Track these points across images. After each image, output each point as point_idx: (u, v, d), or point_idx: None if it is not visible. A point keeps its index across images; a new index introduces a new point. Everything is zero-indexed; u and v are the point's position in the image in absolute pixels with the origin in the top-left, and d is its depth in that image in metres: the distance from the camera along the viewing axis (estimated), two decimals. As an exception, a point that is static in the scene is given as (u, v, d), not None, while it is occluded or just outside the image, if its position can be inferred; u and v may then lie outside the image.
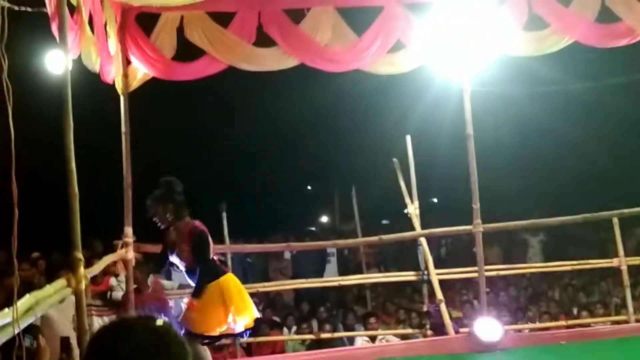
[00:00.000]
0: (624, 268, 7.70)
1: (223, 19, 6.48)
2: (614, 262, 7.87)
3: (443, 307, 7.71)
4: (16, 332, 3.11)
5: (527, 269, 8.73)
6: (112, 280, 7.76)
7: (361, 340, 8.50)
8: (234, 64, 6.71)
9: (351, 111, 16.61)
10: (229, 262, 8.07)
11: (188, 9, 6.31)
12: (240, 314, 5.60)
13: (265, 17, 6.64)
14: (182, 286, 8.30)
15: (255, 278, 10.98)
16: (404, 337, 8.54)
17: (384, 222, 19.17)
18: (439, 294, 7.82)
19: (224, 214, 8.20)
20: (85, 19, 5.35)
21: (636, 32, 6.95)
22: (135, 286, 7.55)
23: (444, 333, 7.47)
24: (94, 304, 7.47)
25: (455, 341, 7.00)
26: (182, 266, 5.67)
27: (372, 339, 8.44)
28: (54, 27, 4.65)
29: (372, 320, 8.79)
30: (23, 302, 3.45)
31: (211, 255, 5.62)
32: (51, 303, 4.04)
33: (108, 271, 7.38)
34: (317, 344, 8.54)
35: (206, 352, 5.61)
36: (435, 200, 22.79)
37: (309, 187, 25.12)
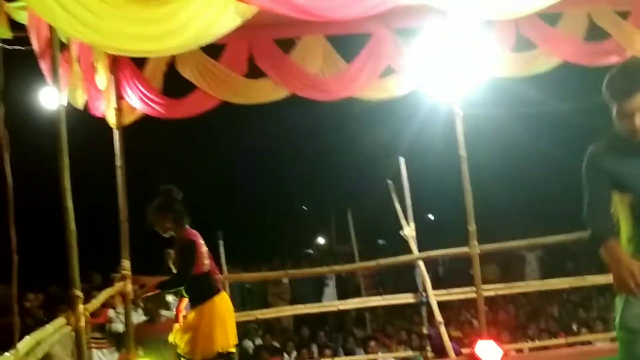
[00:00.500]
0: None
1: (214, 50, 6.51)
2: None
3: (443, 329, 7.70)
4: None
5: (525, 288, 8.73)
6: (111, 312, 7.76)
7: (362, 363, 8.50)
8: (226, 99, 6.74)
9: (345, 134, 16.71)
10: (227, 289, 8.05)
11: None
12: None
13: (256, 48, 6.69)
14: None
15: (254, 303, 10.99)
16: (404, 359, 8.54)
17: (381, 242, 19.22)
18: (438, 316, 7.82)
19: (221, 242, 8.21)
20: (75, 55, 5.39)
21: (627, 50, 7.01)
22: (147, 317, 7.55)
23: (445, 355, 7.47)
24: (93, 336, 7.46)
25: (455, 363, 7.00)
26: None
27: (373, 362, 8.45)
28: (44, 65, 4.69)
29: (372, 343, 8.81)
30: (24, 344, 3.46)
31: (203, 268, 5.54)
32: (51, 342, 4.04)
33: (106, 303, 7.37)
34: (318, 369, 8.54)
35: None
36: (431, 216, 22.85)
37: (304, 208, 25.16)
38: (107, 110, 6.57)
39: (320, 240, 24.14)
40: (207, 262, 5.56)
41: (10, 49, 4.37)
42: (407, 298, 8.55)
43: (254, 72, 6.79)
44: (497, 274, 12.83)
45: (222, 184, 16.60)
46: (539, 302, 11.51)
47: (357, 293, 10.88)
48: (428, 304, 8.06)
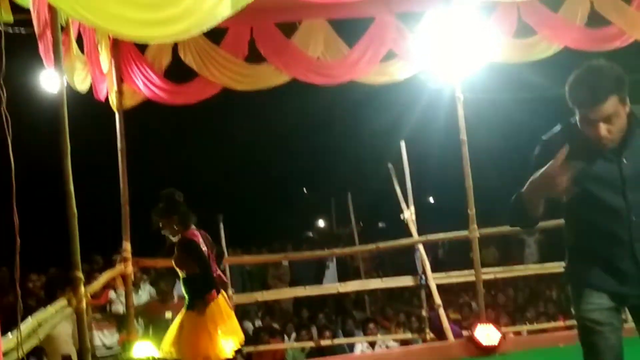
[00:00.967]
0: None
1: (215, 35, 6.50)
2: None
3: (442, 311, 7.76)
4: (21, 356, 3.15)
5: (524, 272, 8.76)
6: (112, 294, 7.81)
7: (361, 346, 8.55)
8: (227, 86, 6.75)
9: (346, 117, 16.71)
10: (228, 272, 8.09)
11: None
12: (227, 336, 5.55)
13: (257, 32, 6.68)
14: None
15: (254, 285, 11.04)
16: (403, 342, 8.59)
17: (381, 225, 19.29)
18: (437, 299, 7.87)
19: (221, 225, 8.23)
20: (73, 37, 5.38)
21: (626, 34, 7.01)
22: (159, 297, 7.61)
23: (444, 337, 7.53)
24: (94, 317, 7.52)
25: (454, 346, 7.04)
26: (180, 273, 5.63)
27: (372, 344, 8.49)
28: (42, 48, 4.68)
29: (372, 325, 8.84)
30: (26, 326, 3.50)
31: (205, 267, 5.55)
32: (53, 324, 4.08)
33: (107, 285, 7.42)
34: (318, 351, 8.59)
35: None
36: (431, 200, 22.89)
37: (305, 190, 25.20)
38: (110, 93, 6.59)
39: (321, 224, 24.20)
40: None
41: (11, 33, 4.37)
42: (406, 281, 8.60)
43: (255, 57, 6.78)
44: (497, 258, 12.90)
45: (223, 167, 16.61)
46: (538, 285, 11.56)
47: (356, 276, 10.91)
48: (427, 287, 8.11)
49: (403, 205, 8.53)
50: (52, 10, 4.41)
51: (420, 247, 8.22)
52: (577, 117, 2.97)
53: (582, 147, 2.99)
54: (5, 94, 2.48)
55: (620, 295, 3.04)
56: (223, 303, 5.53)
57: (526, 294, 11.47)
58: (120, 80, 6.63)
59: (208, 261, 5.52)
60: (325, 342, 8.66)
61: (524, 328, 8.87)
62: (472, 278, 7.40)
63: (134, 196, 6.76)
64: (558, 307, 10.28)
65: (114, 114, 6.72)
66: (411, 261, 9.36)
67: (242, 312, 9.66)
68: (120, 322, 7.69)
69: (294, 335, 9.33)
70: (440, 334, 7.82)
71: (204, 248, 5.62)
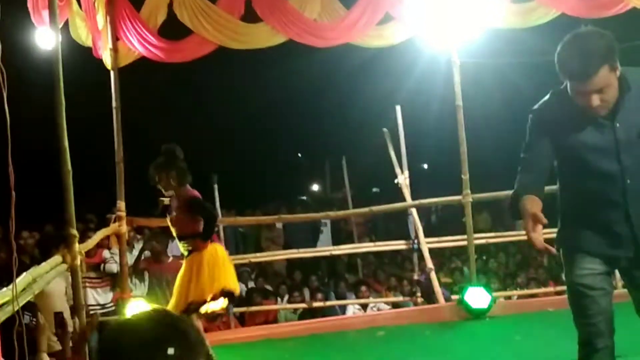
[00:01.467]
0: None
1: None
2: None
3: (433, 275, 7.83)
4: (15, 310, 3.18)
5: (516, 237, 8.81)
6: (106, 253, 7.84)
7: (353, 308, 8.63)
8: (223, 44, 6.70)
9: (342, 82, 16.61)
10: (222, 234, 8.13)
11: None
12: (227, 283, 5.60)
13: (254, -10, 6.63)
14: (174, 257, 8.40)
15: (247, 248, 11.10)
16: (395, 305, 8.68)
17: (375, 190, 19.32)
18: (429, 263, 7.94)
19: (216, 186, 8.24)
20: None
21: (624, 1, 6.96)
22: (153, 257, 7.65)
23: (434, 301, 7.61)
24: (88, 276, 7.55)
25: (445, 309, 7.13)
26: (174, 232, 5.64)
27: (364, 307, 8.58)
28: (31, 4, 4.64)
29: (364, 288, 8.93)
30: (21, 280, 3.52)
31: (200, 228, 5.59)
32: (48, 280, 4.11)
33: (101, 244, 7.45)
34: (310, 313, 8.67)
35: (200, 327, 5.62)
36: (425, 166, 22.92)
37: (299, 155, 25.17)
38: (104, 51, 6.55)
39: (315, 188, 24.22)
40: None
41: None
42: (398, 245, 8.66)
43: (252, 16, 6.73)
44: (489, 223, 12.97)
45: (217, 129, 16.56)
46: (529, 251, 11.65)
47: (350, 241, 10.97)
48: (419, 251, 8.17)
49: (397, 170, 8.55)
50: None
51: (414, 211, 8.27)
52: (568, 88, 2.95)
53: (574, 114, 3.00)
54: (0, 48, 2.46)
55: (614, 258, 3.08)
56: (222, 251, 5.60)
57: (517, 259, 11.57)
58: (115, 38, 6.57)
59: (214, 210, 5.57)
60: (317, 304, 8.75)
61: (515, 293, 8.96)
62: (465, 243, 7.46)
63: (128, 156, 6.75)
64: (548, 273, 10.38)
65: (109, 71, 6.68)
66: (404, 227, 9.42)
67: (235, 274, 9.70)
68: (114, 281, 7.75)
69: (286, 297, 9.41)
70: (431, 298, 7.90)
71: None
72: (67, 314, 6.16)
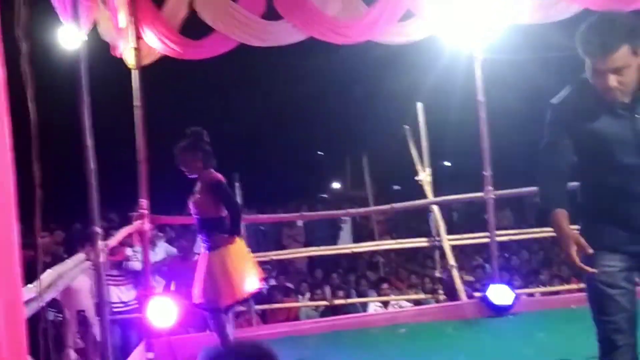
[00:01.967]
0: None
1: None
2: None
3: (455, 272, 7.80)
4: (40, 306, 3.21)
5: (539, 234, 8.75)
6: (128, 251, 7.91)
7: (374, 306, 8.63)
8: (244, 41, 6.71)
9: (362, 79, 16.60)
10: (243, 231, 8.15)
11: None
12: (250, 277, 5.62)
13: (275, -12, 6.63)
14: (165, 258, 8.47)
15: (269, 245, 11.14)
16: (416, 302, 8.66)
17: (396, 187, 19.30)
18: (451, 260, 7.91)
19: (237, 184, 8.27)
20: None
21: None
22: (181, 254, 7.70)
23: (457, 298, 7.58)
24: (111, 274, 7.63)
25: (467, 306, 7.09)
26: (194, 215, 5.59)
27: (385, 304, 8.57)
28: (58, 3, 4.67)
29: (385, 286, 8.92)
30: (45, 277, 3.56)
31: (224, 212, 5.57)
32: (72, 277, 4.15)
33: (124, 242, 7.51)
34: (331, 310, 8.69)
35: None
36: (447, 163, 22.85)
37: (320, 153, 25.20)
38: (125, 50, 6.59)
39: (336, 185, 24.23)
40: None
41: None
42: (420, 242, 8.63)
43: (273, 14, 6.74)
44: (511, 221, 12.91)
45: (239, 127, 16.61)
46: (552, 248, 11.57)
47: (370, 239, 10.97)
48: (441, 248, 8.15)
49: (419, 167, 8.53)
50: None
51: (435, 208, 8.24)
52: (587, 69, 2.92)
53: (593, 105, 2.97)
54: (27, 46, 2.49)
55: (634, 254, 3.03)
56: (242, 243, 5.60)
57: (540, 257, 11.49)
58: (137, 37, 6.61)
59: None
60: (338, 302, 8.76)
61: (537, 290, 8.90)
62: (487, 240, 7.42)
63: (150, 154, 6.78)
64: (572, 270, 10.30)
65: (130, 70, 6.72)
66: (425, 225, 9.40)
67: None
68: (137, 279, 7.81)
69: (307, 295, 9.43)
70: (453, 295, 7.87)
71: None
72: (91, 312, 6.23)
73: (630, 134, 2.94)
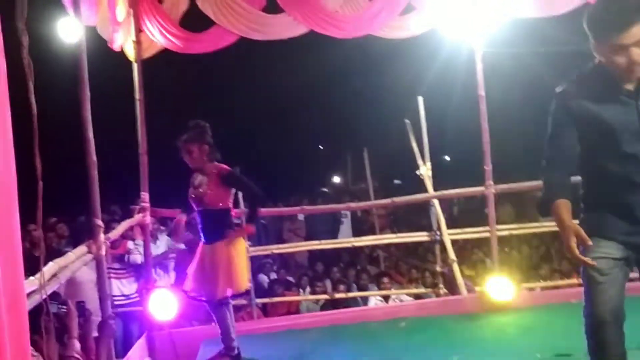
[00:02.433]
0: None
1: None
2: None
3: (456, 267, 7.81)
4: (42, 298, 3.22)
5: (539, 228, 8.75)
6: (130, 244, 7.93)
7: (375, 299, 8.64)
8: (244, 35, 6.71)
9: (363, 72, 16.57)
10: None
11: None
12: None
13: (276, -18, 6.64)
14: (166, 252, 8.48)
15: (270, 239, 11.15)
16: (417, 296, 8.67)
17: (396, 182, 19.29)
18: (452, 254, 7.91)
19: (238, 177, 8.27)
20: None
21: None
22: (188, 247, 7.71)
23: (457, 292, 7.59)
24: (113, 267, 7.65)
25: (467, 301, 7.11)
26: (200, 207, 5.51)
27: (386, 298, 8.59)
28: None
29: (386, 280, 8.93)
30: (48, 269, 3.57)
31: (230, 204, 5.57)
32: (74, 269, 4.16)
33: (125, 235, 7.53)
34: (331, 304, 8.71)
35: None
36: (447, 158, 22.85)
37: (320, 147, 25.19)
38: (125, 43, 6.59)
39: (336, 179, 24.24)
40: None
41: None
42: (420, 236, 8.64)
43: (273, 7, 6.74)
44: (512, 216, 12.90)
45: (239, 121, 16.60)
46: (552, 243, 11.57)
47: (371, 233, 10.98)
48: (441, 243, 8.15)
49: (419, 161, 8.53)
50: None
51: (436, 202, 8.24)
52: (603, 50, 2.87)
53: (598, 93, 2.95)
54: (28, 38, 2.49)
55: (632, 245, 3.01)
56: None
57: (541, 251, 11.49)
58: (138, 29, 6.62)
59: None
60: (339, 295, 8.78)
61: (537, 285, 8.91)
62: (487, 234, 7.43)
63: (151, 147, 6.79)
64: (572, 264, 10.30)
65: (131, 63, 6.73)
66: (426, 219, 9.40)
67: (258, 265, 9.78)
68: (139, 272, 7.83)
69: (308, 288, 9.45)
70: (453, 289, 7.89)
71: None
72: (97, 304, 6.24)
73: (636, 121, 2.92)
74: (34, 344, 3.22)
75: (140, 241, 7.48)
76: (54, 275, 3.72)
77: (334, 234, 11.49)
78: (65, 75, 5.15)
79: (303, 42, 7.26)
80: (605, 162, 3.02)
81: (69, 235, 8.70)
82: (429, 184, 8.30)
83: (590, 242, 2.83)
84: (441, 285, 8.33)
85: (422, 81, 11.26)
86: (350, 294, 8.90)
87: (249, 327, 6.81)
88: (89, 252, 4.53)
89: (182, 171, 5.71)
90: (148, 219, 6.66)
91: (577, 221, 3.08)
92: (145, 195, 6.62)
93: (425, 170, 8.38)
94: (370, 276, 9.76)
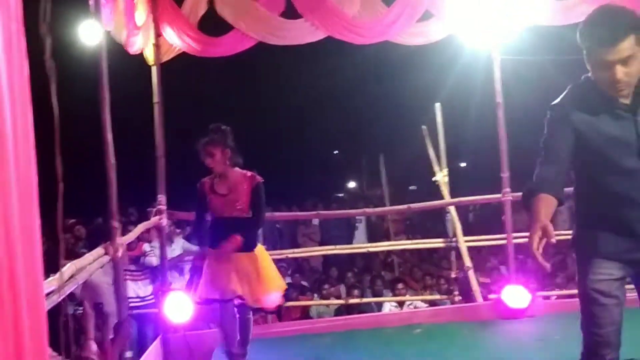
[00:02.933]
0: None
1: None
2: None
3: (471, 273, 7.78)
4: (61, 299, 3.25)
5: (556, 237, 8.67)
6: (146, 246, 7.97)
7: (389, 305, 8.62)
8: (262, 39, 6.74)
9: (380, 79, 16.59)
10: (259, 230, 8.17)
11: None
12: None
13: (294, -13, 6.66)
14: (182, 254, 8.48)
15: (284, 244, 11.15)
16: (432, 303, 8.65)
17: (412, 187, 19.27)
18: (467, 261, 7.89)
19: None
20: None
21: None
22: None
23: (473, 300, 7.56)
24: (129, 269, 7.68)
25: (483, 308, 7.08)
26: (231, 215, 5.39)
27: (400, 304, 8.57)
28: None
29: (400, 286, 8.91)
30: (66, 269, 3.60)
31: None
32: (91, 271, 4.19)
33: (141, 237, 7.56)
34: (345, 309, 8.70)
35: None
36: (463, 165, 22.80)
37: (336, 152, 25.21)
38: (145, 47, 6.64)
39: (352, 185, 24.24)
40: None
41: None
42: (436, 242, 8.62)
43: (292, 12, 6.76)
44: (528, 223, 12.82)
45: (256, 125, 16.66)
46: (568, 251, 11.50)
47: (386, 239, 10.96)
48: (457, 249, 8.13)
49: (436, 167, 8.52)
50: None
51: (452, 209, 8.22)
52: (591, 64, 2.85)
53: (594, 106, 2.92)
54: (50, 41, 2.51)
55: (632, 262, 2.95)
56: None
57: (557, 260, 11.42)
58: (157, 33, 6.66)
59: None
60: (353, 301, 8.77)
61: (553, 293, 8.86)
62: (503, 241, 7.40)
63: (168, 149, 6.82)
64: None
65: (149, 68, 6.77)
66: (441, 226, 9.38)
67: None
68: (154, 274, 7.86)
69: (322, 293, 9.43)
70: (468, 296, 7.86)
71: None
72: (114, 306, 6.27)
73: (633, 136, 2.85)
74: (53, 344, 3.24)
75: (156, 243, 7.50)
76: (72, 277, 3.75)
77: (348, 239, 11.48)
78: (86, 78, 5.19)
79: (321, 48, 7.28)
80: (601, 177, 2.95)
81: (85, 237, 8.75)
82: (445, 190, 8.29)
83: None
84: (456, 292, 8.30)
85: (439, 88, 11.25)
86: (365, 300, 8.88)
87: (263, 331, 6.82)
88: (106, 254, 4.56)
89: (200, 174, 5.72)
90: (164, 221, 6.69)
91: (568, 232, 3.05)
92: (162, 198, 6.65)
93: (441, 176, 8.36)
94: (384, 282, 9.74)
